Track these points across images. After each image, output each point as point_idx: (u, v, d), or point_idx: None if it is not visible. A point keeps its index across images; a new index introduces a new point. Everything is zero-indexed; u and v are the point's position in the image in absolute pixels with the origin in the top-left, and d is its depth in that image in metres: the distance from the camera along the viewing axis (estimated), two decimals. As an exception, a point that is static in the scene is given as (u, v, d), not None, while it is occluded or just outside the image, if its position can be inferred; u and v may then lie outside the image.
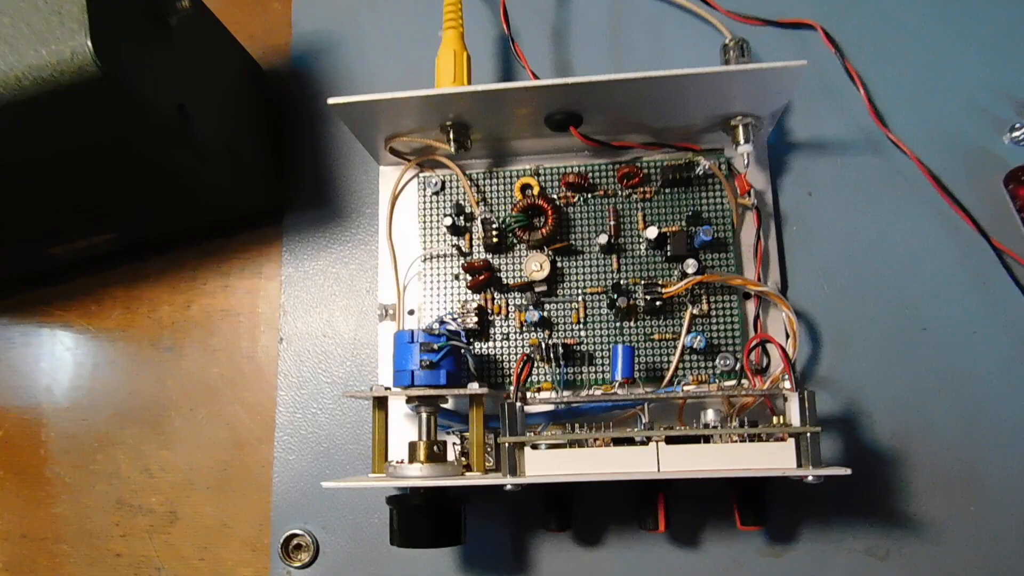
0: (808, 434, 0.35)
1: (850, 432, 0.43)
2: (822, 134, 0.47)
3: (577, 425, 0.38)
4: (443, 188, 0.47)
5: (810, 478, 0.35)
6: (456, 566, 0.43)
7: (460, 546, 0.43)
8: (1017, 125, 0.45)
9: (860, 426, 0.43)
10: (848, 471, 0.34)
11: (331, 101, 0.40)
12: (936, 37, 0.47)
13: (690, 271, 0.42)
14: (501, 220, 0.45)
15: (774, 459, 0.35)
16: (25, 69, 0.33)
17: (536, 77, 0.46)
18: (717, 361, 0.43)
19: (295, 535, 0.45)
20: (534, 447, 0.37)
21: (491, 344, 0.44)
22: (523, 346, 0.44)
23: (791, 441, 0.36)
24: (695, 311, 0.43)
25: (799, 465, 0.35)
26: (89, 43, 0.33)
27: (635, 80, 0.38)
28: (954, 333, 0.44)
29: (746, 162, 0.43)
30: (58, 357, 0.49)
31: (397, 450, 0.42)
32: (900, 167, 0.45)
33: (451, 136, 0.43)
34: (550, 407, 0.42)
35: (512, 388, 0.39)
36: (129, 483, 0.47)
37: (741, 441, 0.36)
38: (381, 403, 0.40)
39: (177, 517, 0.46)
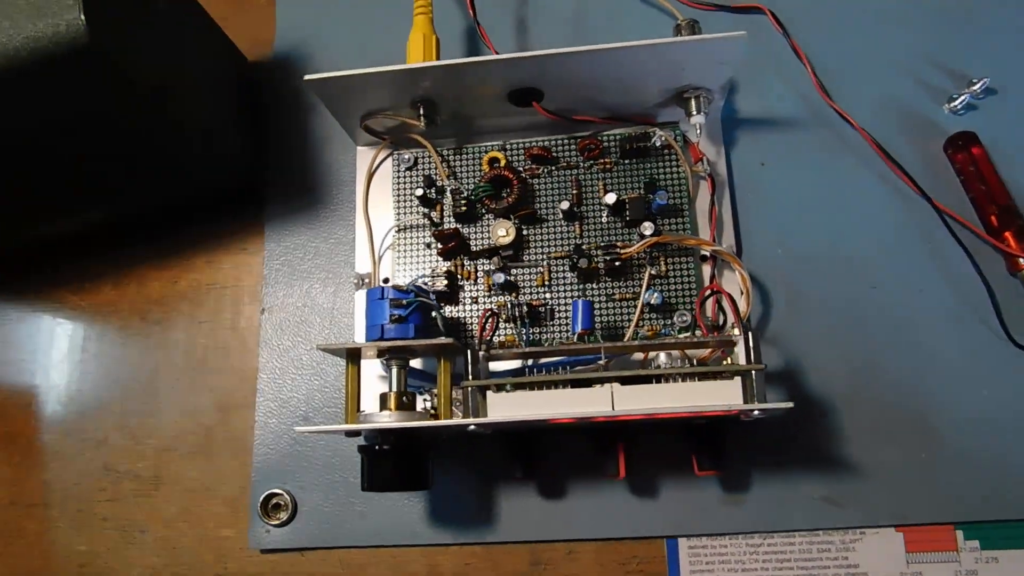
0: (752, 372, 0.37)
1: (804, 387, 0.45)
2: (773, 109, 0.50)
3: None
4: (415, 164, 0.49)
5: (756, 412, 0.37)
6: (424, 515, 0.45)
7: (427, 495, 0.45)
8: (955, 96, 0.48)
9: (814, 381, 0.45)
10: (791, 404, 0.36)
11: (307, 78, 0.43)
12: (877, 14, 0.51)
13: (647, 233, 0.45)
14: (470, 191, 0.47)
15: (722, 396, 0.37)
16: (23, 41, 0.36)
17: (499, 55, 0.49)
18: (675, 318, 0.45)
19: (274, 494, 0.46)
20: (497, 390, 0.39)
21: (461, 307, 0.47)
22: (491, 308, 0.46)
23: (737, 380, 0.38)
24: (653, 271, 0.45)
25: (745, 402, 0.37)
26: (83, 17, 0.36)
27: (587, 52, 0.41)
28: (902, 291, 0.46)
29: (699, 132, 0.46)
30: (51, 332, 0.51)
31: (370, 406, 0.44)
32: (847, 137, 0.48)
33: (421, 112, 0.46)
34: (517, 364, 0.44)
35: (476, 340, 0.41)
36: (115, 450, 0.49)
37: (691, 381, 0.38)
38: (353, 358, 0.42)
39: (161, 481, 0.48)
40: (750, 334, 0.38)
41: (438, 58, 0.47)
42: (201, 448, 0.48)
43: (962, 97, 0.47)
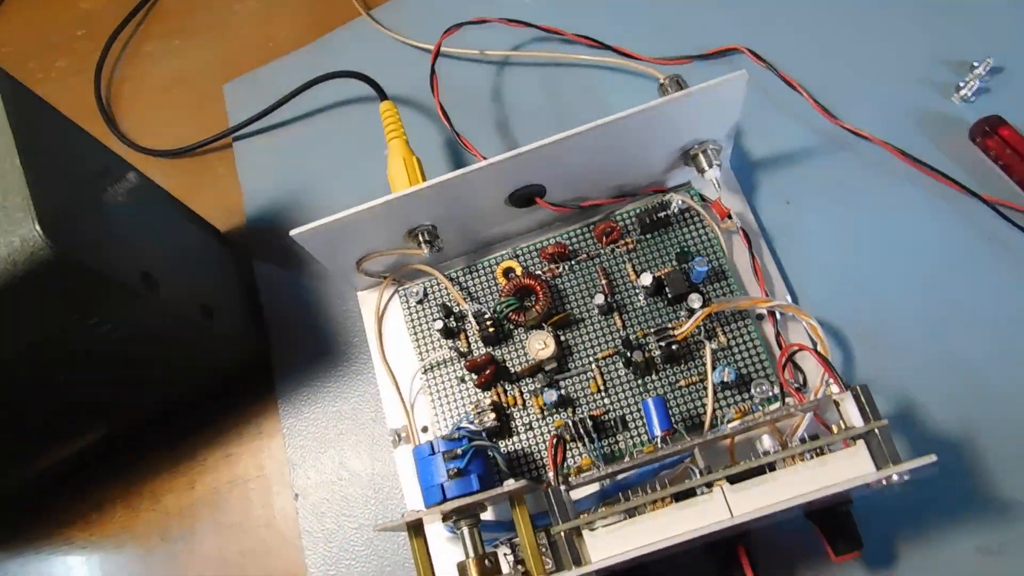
0: (876, 430, 0.32)
1: (911, 430, 0.40)
2: (781, 145, 0.47)
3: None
4: (426, 295, 0.45)
5: (894, 477, 0.31)
6: None
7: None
8: (961, 84, 0.45)
9: (920, 422, 0.40)
10: (934, 458, 0.31)
11: (293, 232, 0.39)
12: (858, 24, 0.49)
13: (696, 306, 0.41)
14: (492, 309, 0.43)
15: (850, 468, 0.32)
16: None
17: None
18: (753, 391, 0.40)
19: None
20: (592, 529, 0.33)
21: (516, 439, 0.41)
22: (549, 431, 0.41)
23: (860, 443, 0.33)
24: (714, 346, 0.41)
25: (878, 467, 0.32)
26: (37, 227, 0.32)
27: (590, 130, 0.38)
28: (983, 297, 0.42)
29: (717, 186, 0.42)
30: (63, 580, 0.45)
31: (447, 579, 0.38)
32: (867, 153, 0.45)
33: (422, 239, 0.42)
34: (595, 487, 0.39)
35: (551, 474, 0.36)
36: None
37: (808, 459, 0.33)
38: (417, 530, 0.37)
39: None
40: (858, 388, 0.33)
41: (425, 178, 0.44)
42: (261, 675, 0.42)
43: (969, 83, 0.45)
